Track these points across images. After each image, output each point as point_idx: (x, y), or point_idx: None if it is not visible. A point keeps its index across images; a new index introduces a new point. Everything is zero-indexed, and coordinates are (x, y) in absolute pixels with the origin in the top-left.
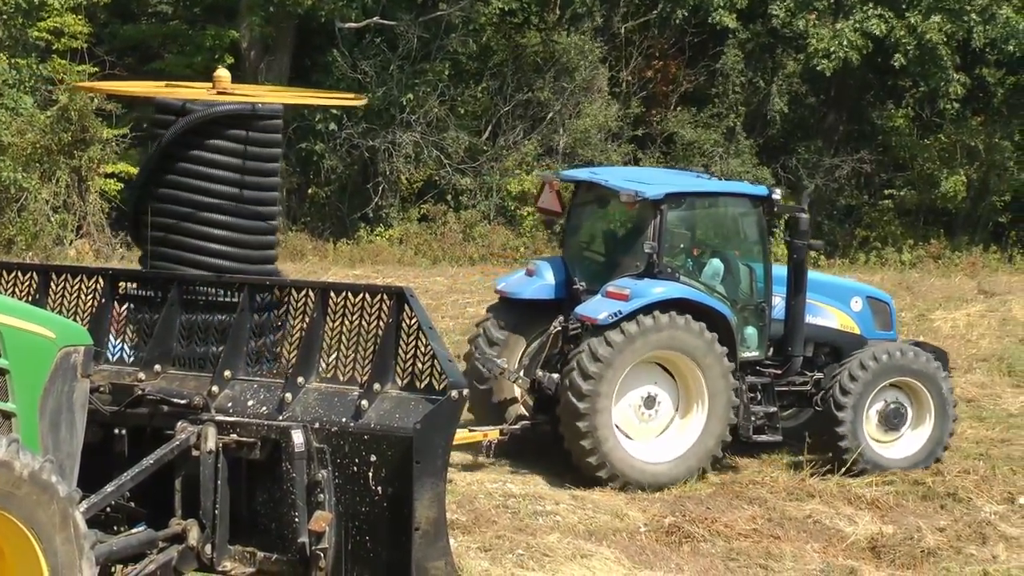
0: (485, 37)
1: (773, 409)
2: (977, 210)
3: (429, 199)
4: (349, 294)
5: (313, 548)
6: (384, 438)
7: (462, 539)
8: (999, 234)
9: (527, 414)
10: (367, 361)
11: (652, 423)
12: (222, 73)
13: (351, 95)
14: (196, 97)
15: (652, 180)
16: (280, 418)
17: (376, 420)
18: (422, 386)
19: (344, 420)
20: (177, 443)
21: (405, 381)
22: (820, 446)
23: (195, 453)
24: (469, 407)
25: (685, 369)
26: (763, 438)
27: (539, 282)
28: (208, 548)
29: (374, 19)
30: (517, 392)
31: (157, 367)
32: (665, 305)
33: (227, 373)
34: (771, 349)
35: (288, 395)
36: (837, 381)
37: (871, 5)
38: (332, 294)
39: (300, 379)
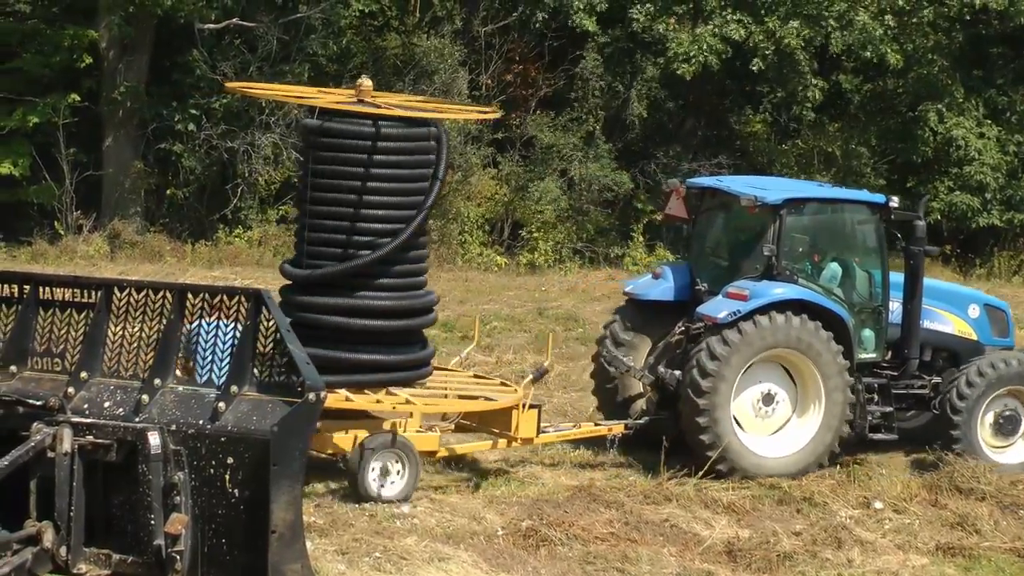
0: (345, 39)
1: (889, 409)
2: None
3: (288, 200)
4: (207, 296)
5: (169, 550)
6: (241, 440)
7: (319, 542)
8: None
9: (650, 410)
10: (224, 363)
11: (770, 419)
12: (366, 82)
13: (486, 108)
14: (340, 105)
15: (773, 187)
16: (136, 420)
17: (233, 422)
18: (279, 388)
19: (201, 422)
20: (32, 444)
21: (263, 383)
22: (935, 449)
23: (50, 455)
24: (597, 403)
25: (803, 368)
26: (879, 436)
27: (664, 284)
28: (63, 550)
29: (234, 20)
30: (642, 389)
31: (13, 368)
32: (783, 306)
33: (84, 374)
34: (889, 352)
35: (145, 397)
36: (954, 386)
37: (730, 10)
38: (189, 295)
39: (157, 381)
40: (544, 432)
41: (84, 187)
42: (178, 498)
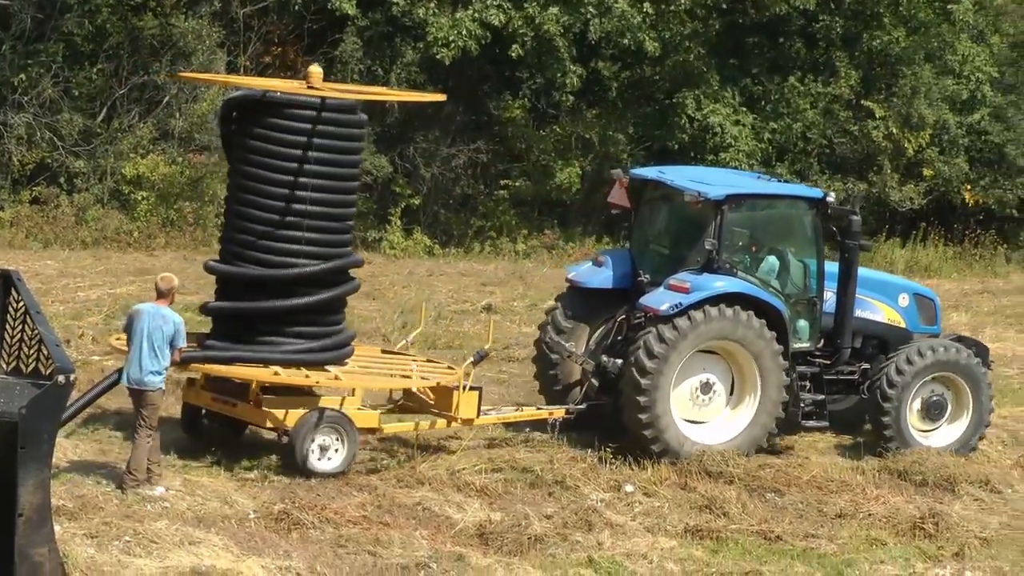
0: (101, 18)
1: (821, 397)
2: (591, 201)
3: (41, 181)
4: None
5: None
6: None
7: (67, 525)
8: (611, 225)
9: (591, 396)
10: None
11: (708, 407)
12: (315, 69)
13: (432, 93)
14: (291, 91)
15: (715, 181)
16: None
17: None
18: (28, 371)
19: None
20: None
21: (11, 366)
22: (865, 432)
23: None
24: (538, 387)
25: (740, 358)
26: (811, 424)
27: (605, 272)
28: None
29: None
30: (582, 375)
31: None
32: (723, 299)
33: None
34: (821, 341)
35: None
36: (885, 373)
37: None
38: None
39: None
40: (485, 414)
41: None
42: None
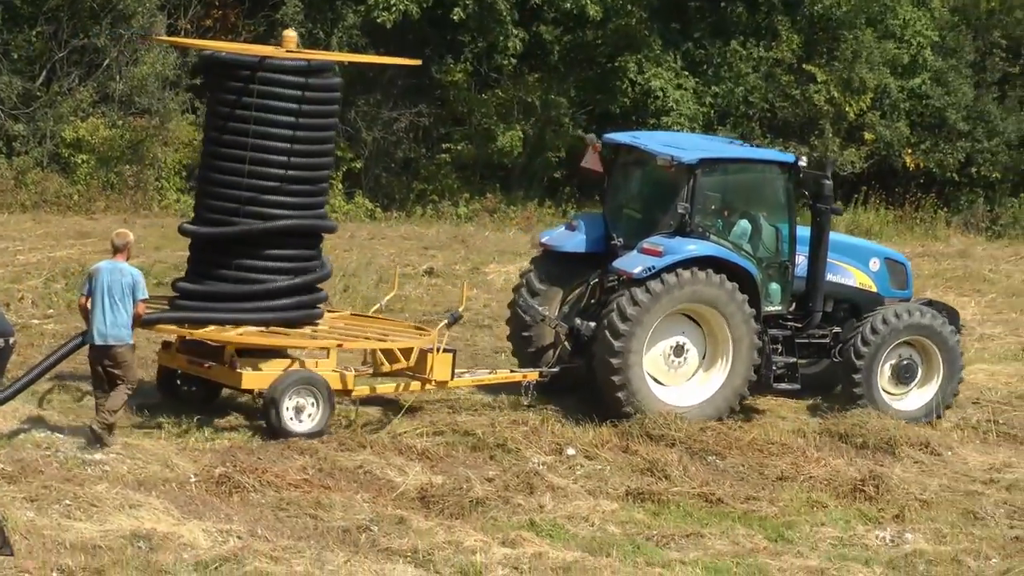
0: None
1: (793, 360)
2: (533, 165)
3: None
4: None
5: None
6: None
7: (7, 489)
8: (554, 189)
9: (564, 358)
10: None
11: (680, 370)
12: (290, 34)
13: (408, 59)
14: (266, 55)
15: (688, 146)
16: None
17: None
18: None
19: None
20: None
21: None
22: (835, 395)
23: None
24: (512, 350)
25: (712, 321)
26: (783, 386)
27: (579, 236)
28: None
29: None
30: (555, 338)
31: None
32: (695, 262)
33: None
34: (793, 304)
35: None
36: (856, 337)
37: None
38: None
39: None
40: (459, 376)
41: None
42: None
